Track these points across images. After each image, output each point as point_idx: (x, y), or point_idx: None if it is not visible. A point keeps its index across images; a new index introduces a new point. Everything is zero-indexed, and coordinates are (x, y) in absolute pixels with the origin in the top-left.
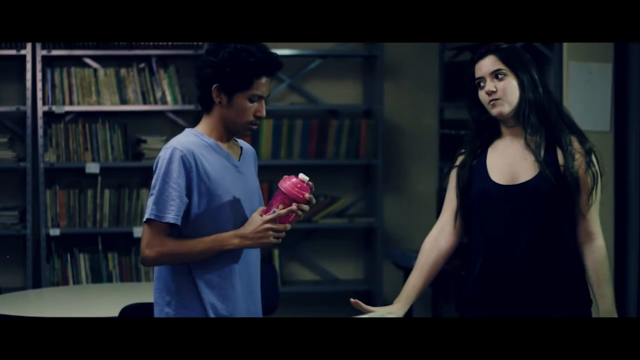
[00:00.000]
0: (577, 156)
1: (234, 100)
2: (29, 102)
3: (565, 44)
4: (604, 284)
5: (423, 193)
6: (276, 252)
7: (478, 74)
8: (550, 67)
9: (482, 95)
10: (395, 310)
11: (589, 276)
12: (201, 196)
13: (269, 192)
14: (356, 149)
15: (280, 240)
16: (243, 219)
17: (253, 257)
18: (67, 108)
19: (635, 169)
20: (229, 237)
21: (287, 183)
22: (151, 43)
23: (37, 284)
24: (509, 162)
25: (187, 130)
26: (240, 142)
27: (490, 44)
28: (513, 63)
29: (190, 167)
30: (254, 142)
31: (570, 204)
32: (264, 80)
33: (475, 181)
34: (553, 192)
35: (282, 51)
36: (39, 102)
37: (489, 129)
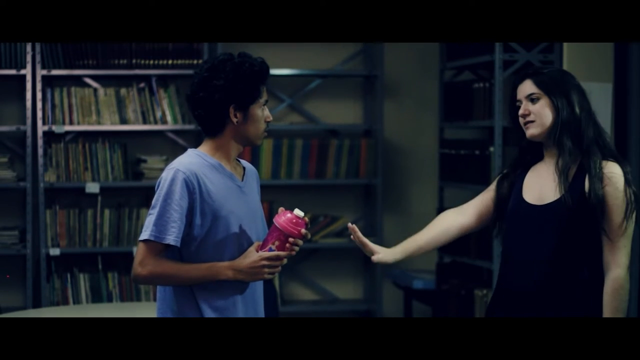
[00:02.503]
0: (605, 182)
1: (249, 113)
2: (29, 121)
3: (565, 64)
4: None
5: (423, 212)
6: None
7: (518, 97)
8: None
9: (519, 117)
10: (387, 253)
11: None
12: (204, 217)
13: (269, 213)
14: (356, 169)
15: (274, 275)
16: (247, 239)
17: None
18: (67, 128)
19: (636, 189)
20: (223, 268)
21: (282, 219)
22: (151, 62)
23: (37, 303)
24: (542, 182)
25: (190, 151)
26: (243, 162)
27: (529, 68)
28: (547, 87)
29: (193, 189)
30: (254, 161)
31: (593, 229)
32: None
33: (511, 198)
34: (573, 217)
35: (281, 71)
36: (39, 122)
37: (531, 152)
